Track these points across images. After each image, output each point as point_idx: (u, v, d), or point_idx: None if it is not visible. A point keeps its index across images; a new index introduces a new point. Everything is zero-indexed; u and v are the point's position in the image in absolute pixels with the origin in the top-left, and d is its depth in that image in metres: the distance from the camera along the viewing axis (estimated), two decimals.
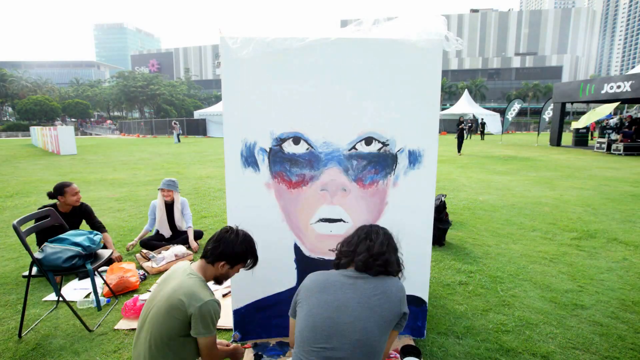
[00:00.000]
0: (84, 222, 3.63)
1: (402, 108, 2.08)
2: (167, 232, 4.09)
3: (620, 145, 14.11)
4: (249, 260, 1.75)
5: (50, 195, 3.36)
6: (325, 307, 1.42)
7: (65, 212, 3.39)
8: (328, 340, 1.36)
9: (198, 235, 4.23)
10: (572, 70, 79.65)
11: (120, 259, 3.62)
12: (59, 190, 3.33)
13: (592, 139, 20.57)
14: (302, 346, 1.40)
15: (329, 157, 2.10)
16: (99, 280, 3.05)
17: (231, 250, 1.67)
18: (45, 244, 2.57)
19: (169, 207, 4.09)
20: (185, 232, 4.12)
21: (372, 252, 1.51)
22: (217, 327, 2.44)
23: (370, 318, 1.39)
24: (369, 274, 1.50)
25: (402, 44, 2.00)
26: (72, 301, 2.84)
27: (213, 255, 1.67)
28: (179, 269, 1.71)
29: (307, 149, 2.09)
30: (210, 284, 1.75)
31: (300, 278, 2.22)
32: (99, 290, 2.95)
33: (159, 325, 1.56)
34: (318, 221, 2.17)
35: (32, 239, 3.53)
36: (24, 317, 2.45)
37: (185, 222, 4.17)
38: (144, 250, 3.76)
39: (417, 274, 2.29)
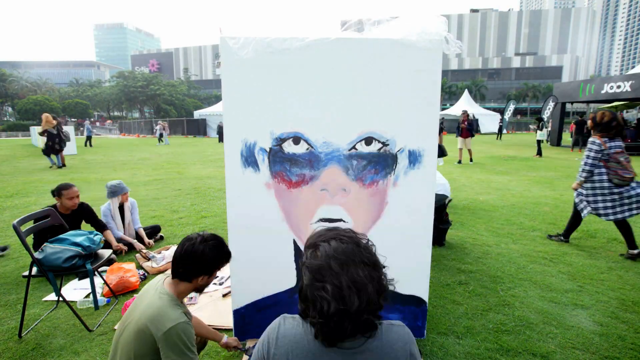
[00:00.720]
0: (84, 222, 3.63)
1: (402, 108, 2.08)
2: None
3: None
4: (223, 263, 1.64)
5: (53, 194, 3.41)
6: None
7: (65, 213, 3.39)
8: None
9: (156, 230, 4.32)
10: (572, 70, 79.64)
11: (120, 251, 3.64)
12: (57, 192, 3.35)
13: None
14: None
15: (329, 157, 2.10)
16: (98, 280, 3.05)
17: (205, 262, 1.54)
18: (45, 244, 2.57)
19: (120, 210, 4.02)
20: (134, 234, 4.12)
21: (348, 317, 0.92)
22: (218, 327, 2.45)
23: None
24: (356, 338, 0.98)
25: (403, 44, 2.00)
26: (72, 301, 2.84)
27: (188, 274, 1.54)
28: (152, 287, 1.58)
29: (307, 148, 2.09)
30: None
31: (300, 278, 2.22)
32: (99, 290, 2.95)
33: (127, 351, 1.45)
34: (318, 221, 2.17)
35: (31, 239, 3.54)
36: (24, 317, 2.45)
37: (134, 224, 4.13)
38: (144, 250, 3.76)
39: (417, 274, 2.29)
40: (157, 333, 1.39)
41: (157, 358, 1.42)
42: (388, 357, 1.00)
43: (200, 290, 1.65)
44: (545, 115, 20.37)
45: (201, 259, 1.53)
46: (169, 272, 1.63)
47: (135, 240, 3.97)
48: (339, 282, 0.94)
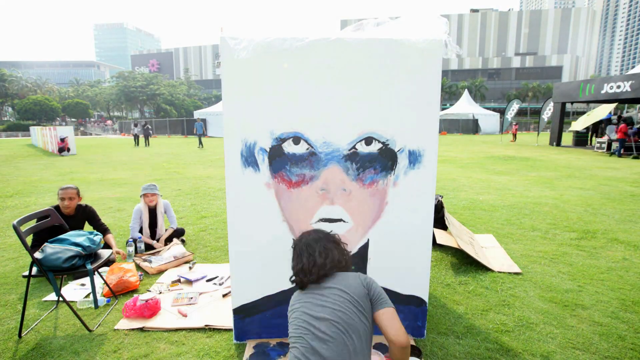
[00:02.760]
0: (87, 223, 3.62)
1: (402, 108, 2.08)
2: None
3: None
4: None
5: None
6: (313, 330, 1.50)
7: (69, 214, 3.38)
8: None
9: (180, 232, 4.25)
10: (572, 70, 79.56)
11: (115, 258, 3.58)
12: (58, 192, 3.36)
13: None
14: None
15: (329, 157, 2.10)
16: (98, 280, 3.05)
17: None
18: (45, 244, 2.57)
19: (152, 212, 4.05)
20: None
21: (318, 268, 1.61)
22: (217, 327, 2.45)
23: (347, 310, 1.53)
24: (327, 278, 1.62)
25: (403, 44, 2.00)
26: (72, 301, 2.84)
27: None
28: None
29: (307, 148, 2.09)
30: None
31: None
32: (99, 290, 2.95)
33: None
34: (318, 221, 2.17)
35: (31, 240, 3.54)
36: (24, 317, 2.45)
37: (170, 223, 4.17)
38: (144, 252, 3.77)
39: (417, 274, 2.29)
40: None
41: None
42: (343, 280, 1.61)
43: None
44: (546, 115, 20.36)
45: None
46: None
47: (154, 241, 3.98)
48: (313, 250, 1.66)
